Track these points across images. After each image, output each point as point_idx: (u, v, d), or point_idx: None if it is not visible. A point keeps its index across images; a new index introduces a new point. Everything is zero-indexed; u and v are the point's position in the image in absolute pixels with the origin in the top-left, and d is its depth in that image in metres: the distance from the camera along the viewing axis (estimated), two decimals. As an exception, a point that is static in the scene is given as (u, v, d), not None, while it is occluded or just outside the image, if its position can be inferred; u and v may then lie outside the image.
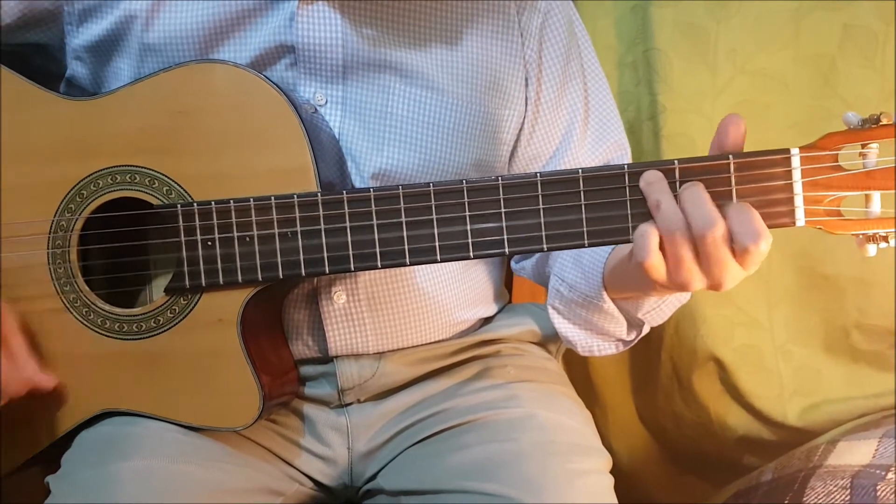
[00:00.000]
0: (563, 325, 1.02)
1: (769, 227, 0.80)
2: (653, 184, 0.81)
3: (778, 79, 1.32)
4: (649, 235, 0.79)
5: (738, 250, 0.77)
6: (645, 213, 0.82)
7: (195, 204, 0.89)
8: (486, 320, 1.13)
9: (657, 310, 0.97)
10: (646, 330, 1.00)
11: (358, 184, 0.98)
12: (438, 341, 1.06)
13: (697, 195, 0.79)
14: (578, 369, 1.54)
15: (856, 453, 1.18)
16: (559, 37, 1.05)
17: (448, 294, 1.05)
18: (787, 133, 1.32)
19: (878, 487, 1.10)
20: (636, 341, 1.01)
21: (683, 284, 0.80)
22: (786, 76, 1.32)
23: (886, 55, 1.26)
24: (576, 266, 0.99)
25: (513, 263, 1.17)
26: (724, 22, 1.32)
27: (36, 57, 1.04)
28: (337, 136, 0.97)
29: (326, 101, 0.97)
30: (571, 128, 1.06)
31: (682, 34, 1.33)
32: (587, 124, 1.07)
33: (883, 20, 1.26)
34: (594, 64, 1.10)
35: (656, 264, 0.79)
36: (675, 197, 0.80)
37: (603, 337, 1.00)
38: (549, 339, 1.15)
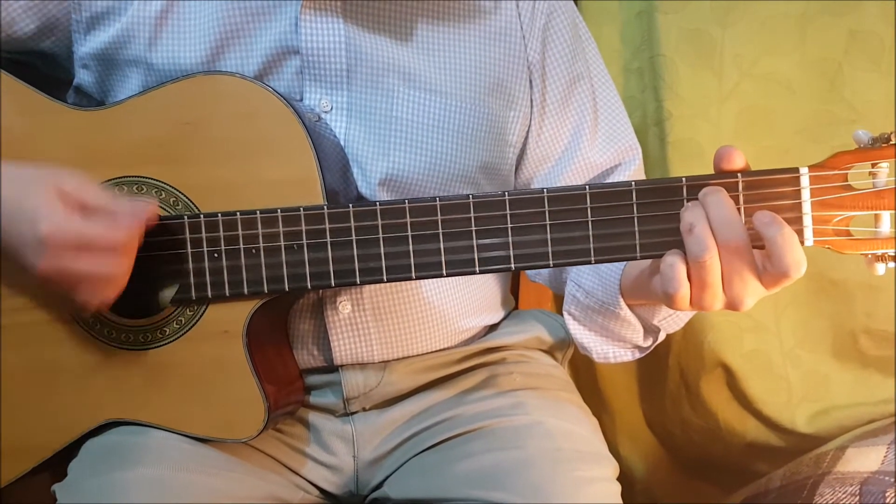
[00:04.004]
0: (579, 332, 1.02)
1: None
2: (689, 209, 0.80)
3: (784, 84, 1.31)
4: (679, 267, 0.79)
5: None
6: (652, 230, 0.82)
7: (202, 216, 0.89)
8: (492, 327, 1.13)
9: (673, 317, 0.96)
10: (661, 337, 0.99)
11: (364, 189, 0.98)
12: (443, 349, 1.06)
13: (720, 201, 0.79)
14: (586, 376, 1.54)
15: (865, 460, 1.17)
16: (563, 38, 1.05)
17: (453, 302, 1.05)
18: (793, 138, 1.31)
19: (888, 494, 1.09)
20: (652, 348, 1.00)
21: (706, 308, 0.79)
22: (792, 81, 1.31)
23: (892, 60, 1.26)
24: (593, 272, 0.98)
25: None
26: (729, 27, 1.31)
27: (41, 65, 1.04)
28: (343, 143, 0.97)
29: (332, 108, 0.97)
30: (580, 128, 1.06)
31: (688, 40, 1.33)
32: (597, 125, 1.07)
33: (889, 25, 1.25)
34: (600, 65, 1.10)
35: (685, 295, 0.79)
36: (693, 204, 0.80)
37: (619, 343, 1.00)
38: (555, 346, 1.15)
